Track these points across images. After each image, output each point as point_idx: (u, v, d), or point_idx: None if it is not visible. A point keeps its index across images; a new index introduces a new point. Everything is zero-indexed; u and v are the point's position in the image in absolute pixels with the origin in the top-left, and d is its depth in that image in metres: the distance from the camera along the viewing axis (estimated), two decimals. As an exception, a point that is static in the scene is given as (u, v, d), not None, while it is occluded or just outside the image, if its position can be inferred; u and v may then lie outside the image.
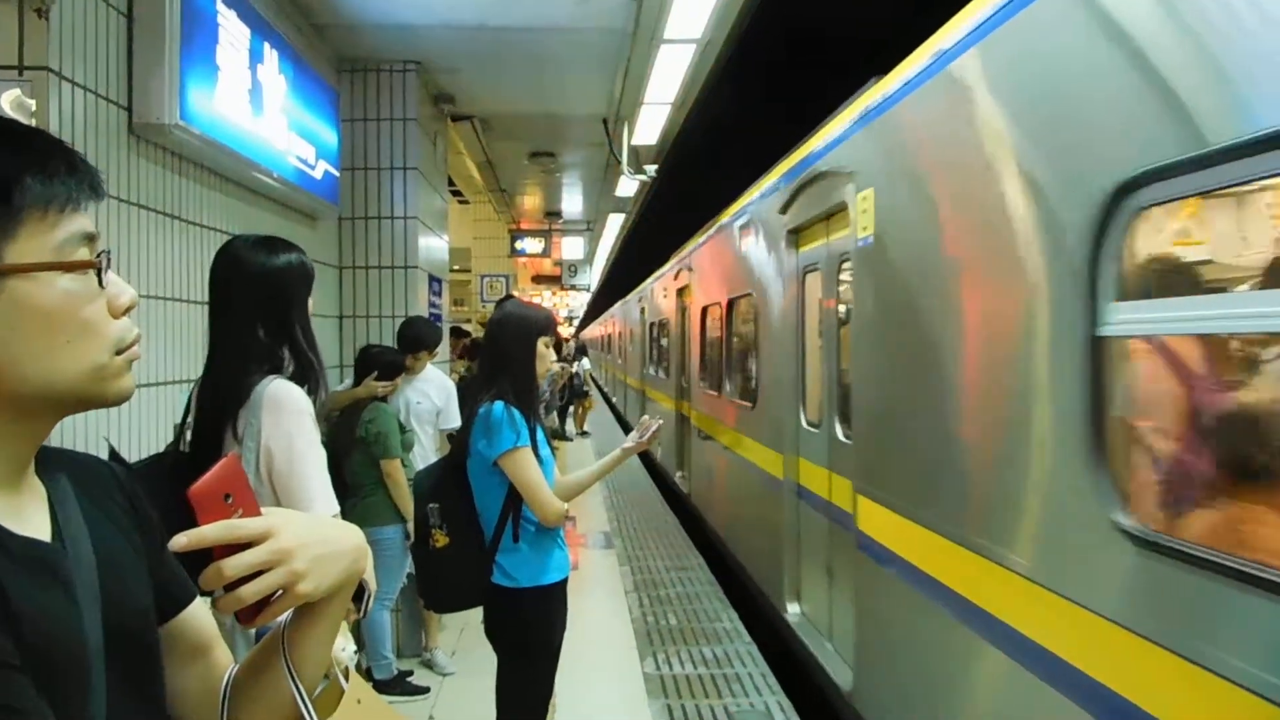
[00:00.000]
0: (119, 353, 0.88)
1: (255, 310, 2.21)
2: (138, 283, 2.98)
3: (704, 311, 8.50)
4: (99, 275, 0.87)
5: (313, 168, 4.45)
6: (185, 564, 0.99)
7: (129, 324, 0.90)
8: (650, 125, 6.88)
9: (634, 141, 7.16)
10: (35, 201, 0.83)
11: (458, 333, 8.47)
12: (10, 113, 2.45)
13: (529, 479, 2.83)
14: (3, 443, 0.85)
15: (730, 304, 7.26)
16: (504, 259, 12.92)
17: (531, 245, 12.47)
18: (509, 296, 8.12)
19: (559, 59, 5.53)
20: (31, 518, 0.86)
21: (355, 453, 4.31)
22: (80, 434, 2.66)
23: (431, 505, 2.97)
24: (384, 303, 5.42)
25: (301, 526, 0.95)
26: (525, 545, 2.89)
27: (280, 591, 0.92)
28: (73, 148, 0.89)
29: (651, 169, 8.09)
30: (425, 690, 4.64)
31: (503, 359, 2.99)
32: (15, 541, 0.81)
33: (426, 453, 4.86)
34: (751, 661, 5.23)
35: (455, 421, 5.07)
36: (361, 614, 2.34)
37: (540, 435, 2.95)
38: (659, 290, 12.50)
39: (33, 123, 2.45)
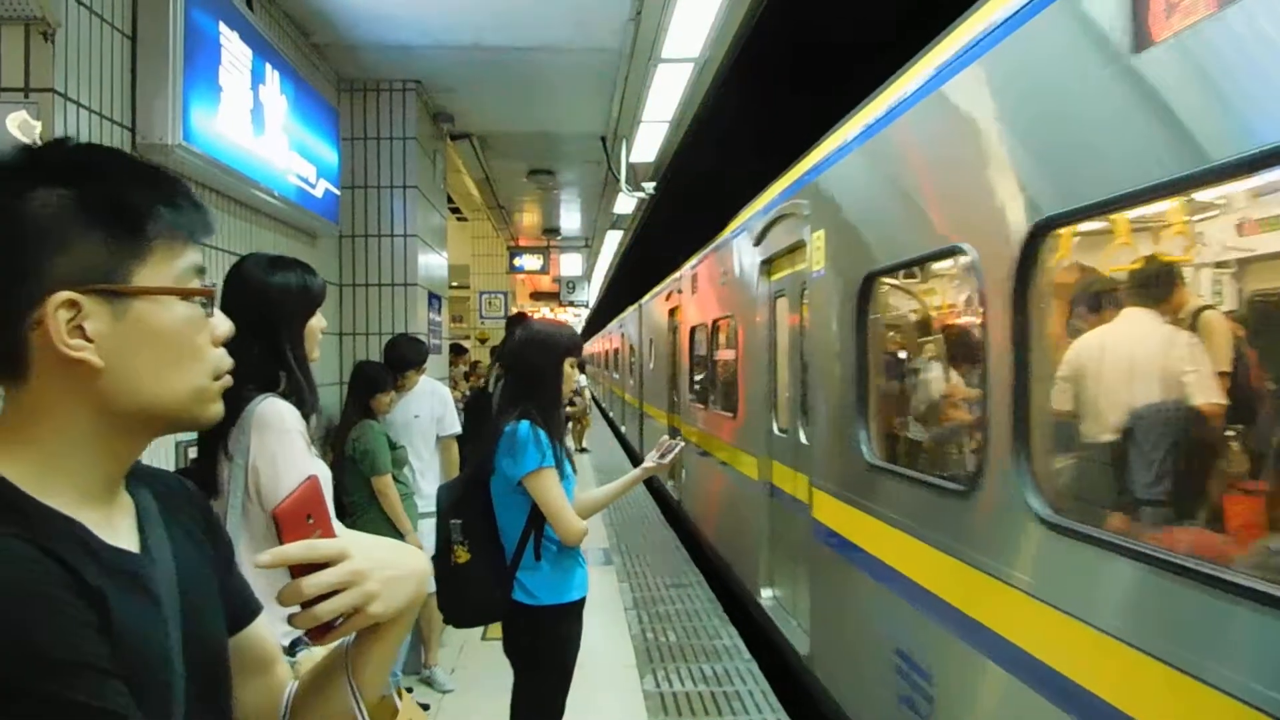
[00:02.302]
0: (216, 379, 0.94)
1: (249, 327, 2.21)
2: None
3: (692, 331, 9.11)
4: (208, 304, 0.93)
5: (313, 186, 4.48)
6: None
7: (223, 353, 0.95)
8: (648, 143, 6.92)
9: (632, 159, 7.20)
10: (164, 232, 0.88)
11: (457, 349, 8.47)
12: (16, 134, 2.48)
13: (553, 499, 2.84)
14: (102, 458, 0.88)
15: (715, 324, 7.94)
16: (502, 276, 12.95)
17: (530, 262, 12.51)
18: (521, 315, 8.14)
19: (557, 78, 5.57)
20: (121, 530, 0.89)
21: (345, 472, 4.28)
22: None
23: (454, 521, 2.98)
24: (384, 320, 5.44)
25: (374, 549, 0.99)
26: (546, 563, 2.91)
27: (351, 611, 0.95)
28: (189, 187, 0.94)
29: (649, 186, 8.14)
30: (425, 708, 4.63)
31: (529, 379, 3.01)
32: (108, 552, 0.84)
33: (427, 466, 4.87)
34: (751, 679, 5.22)
35: (455, 428, 5.10)
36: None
37: (563, 454, 2.96)
38: (652, 310, 12.77)
39: (37, 144, 2.48)
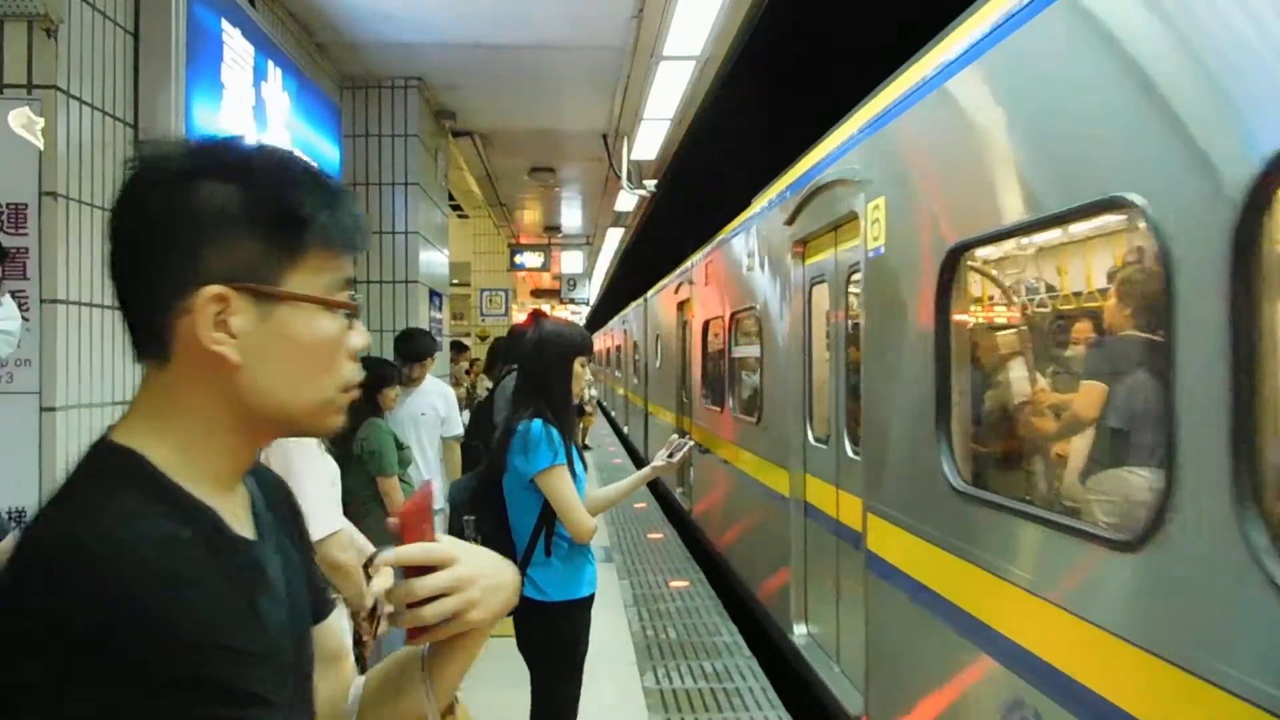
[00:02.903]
0: (344, 391, 0.94)
1: None
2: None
3: (705, 326, 8.40)
4: (351, 317, 0.93)
5: (315, 183, 4.48)
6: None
7: (356, 366, 0.95)
8: (649, 140, 6.93)
9: (633, 156, 7.20)
10: (320, 241, 0.89)
11: (458, 347, 8.48)
12: (18, 130, 2.48)
13: (564, 497, 2.87)
14: (231, 448, 0.89)
15: (733, 318, 7.15)
16: (503, 273, 12.95)
17: (531, 259, 12.51)
18: (539, 313, 8.15)
19: (559, 76, 5.57)
20: (241, 519, 0.91)
21: (349, 471, 4.27)
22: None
23: (467, 517, 3.03)
24: (385, 317, 5.45)
25: (475, 556, 1.00)
26: (557, 560, 2.94)
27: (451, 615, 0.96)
28: (355, 199, 0.95)
29: (651, 184, 8.14)
30: None
31: (542, 378, 3.03)
32: (238, 540, 0.86)
33: (432, 463, 4.88)
34: (752, 676, 5.23)
35: (457, 429, 5.13)
36: (374, 634, 2.37)
37: (575, 453, 3.00)
38: (658, 305, 12.39)
39: (40, 141, 2.48)
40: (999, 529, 2.73)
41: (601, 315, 35.09)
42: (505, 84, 5.74)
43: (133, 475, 0.81)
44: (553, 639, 2.97)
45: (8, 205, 2.50)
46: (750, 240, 6.35)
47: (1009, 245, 2.97)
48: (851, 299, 4.34)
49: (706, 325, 8.35)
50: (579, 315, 23.50)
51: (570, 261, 13.99)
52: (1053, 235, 2.77)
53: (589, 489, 3.13)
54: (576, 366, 3.07)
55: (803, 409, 5.11)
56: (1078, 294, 2.82)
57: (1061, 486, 2.79)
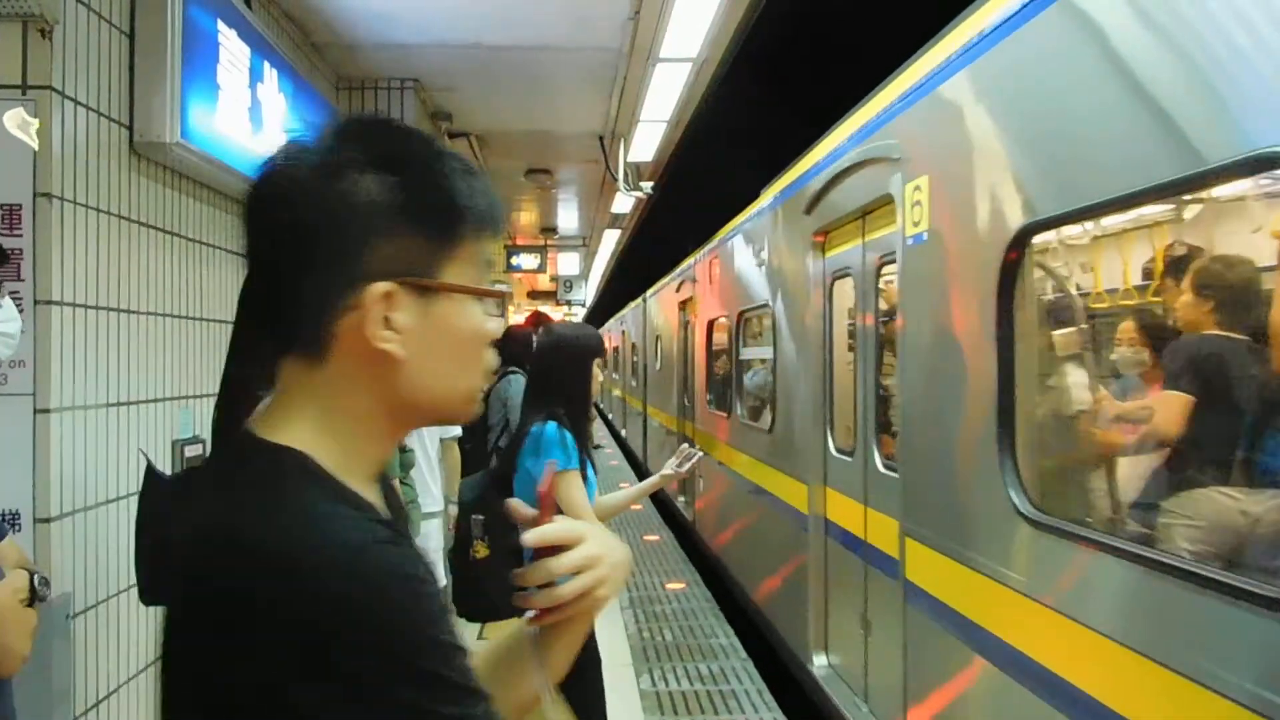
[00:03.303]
0: (486, 379, 0.97)
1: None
2: (137, 300, 2.99)
3: (710, 325, 8.04)
4: (500, 306, 0.94)
5: (311, 185, 4.47)
6: None
7: (494, 352, 0.96)
8: (646, 142, 6.92)
9: (630, 158, 7.20)
10: (473, 230, 0.88)
11: None
12: (13, 131, 2.47)
13: (575, 502, 2.87)
14: (382, 443, 0.90)
15: (742, 317, 6.75)
16: (500, 274, 12.94)
17: (527, 261, 12.49)
18: (539, 315, 8.15)
19: (555, 77, 5.57)
20: (382, 514, 0.91)
21: None
22: (97, 447, 2.67)
23: (475, 517, 3.03)
24: (381, 319, 5.43)
25: (599, 534, 0.99)
26: None
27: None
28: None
29: (648, 185, 8.14)
30: None
31: (557, 381, 3.03)
32: (405, 536, 0.86)
33: (433, 464, 4.89)
34: (748, 678, 5.22)
35: (456, 430, 5.13)
36: None
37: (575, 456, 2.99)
38: (658, 305, 12.10)
39: (35, 142, 2.47)
40: (1082, 565, 2.28)
41: (598, 317, 35.10)
42: (501, 85, 5.73)
43: (309, 476, 0.81)
44: None
45: (2, 206, 2.50)
46: (761, 233, 5.90)
47: (1100, 224, 2.48)
48: (883, 294, 3.96)
49: (711, 325, 8.08)
50: (575, 317, 23.49)
51: (567, 263, 13.98)
52: (1161, 209, 2.33)
53: (598, 496, 3.13)
54: (595, 369, 3.08)
55: (822, 416, 4.64)
56: (1203, 283, 2.30)
57: (1168, 517, 2.28)
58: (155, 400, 3.10)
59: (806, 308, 4.81)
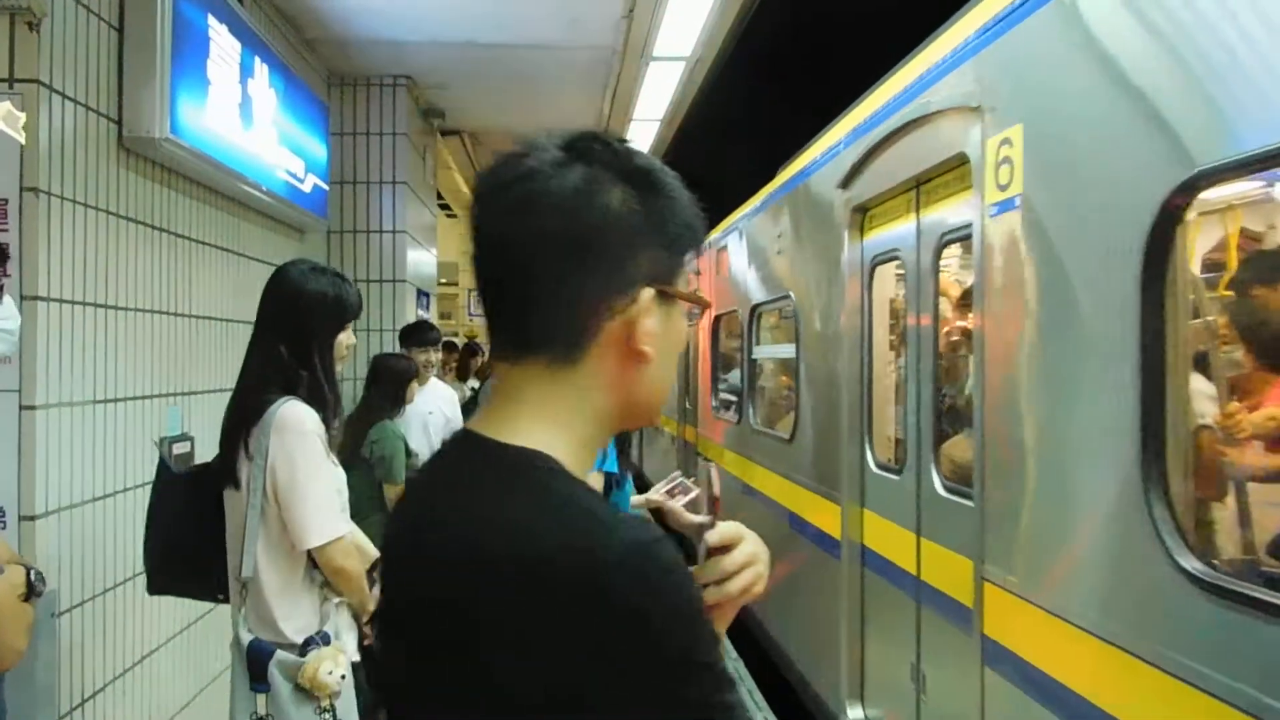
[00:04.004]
0: None
1: (281, 331, 2.29)
2: (124, 296, 2.97)
3: (716, 322, 7.40)
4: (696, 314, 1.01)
5: (302, 181, 4.45)
6: None
7: None
8: (639, 141, 6.90)
9: (623, 157, 7.18)
10: (693, 244, 0.96)
11: (448, 346, 8.44)
12: (0, 125, 2.45)
13: None
14: (602, 445, 0.96)
15: (756, 311, 5.93)
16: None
17: (520, 259, 12.47)
18: None
19: (549, 75, 5.56)
20: None
21: (355, 471, 4.17)
22: (84, 444, 2.65)
23: None
24: (372, 316, 5.41)
25: (752, 534, 1.04)
26: None
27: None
28: None
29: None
30: None
31: None
32: None
33: None
34: (739, 678, 5.21)
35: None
36: None
37: (613, 458, 2.94)
38: None
39: (22, 136, 2.45)
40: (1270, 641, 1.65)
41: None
42: (494, 83, 5.71)
43: (570, 479, 0.85)
44: None
45: (-12, 201, 2.47)
46: (780, 217, 5.20)
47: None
48: (945, 281, 3.36)
49: (718, 321, 7.42)
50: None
51: (559, 262, 13.94)
52: None
53: None
54: None
55: (860, 426, 3.88)
56: None
57: None
58: (143, 397, 3.08)
59: (839, 299, 4.03)
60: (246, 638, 2.22)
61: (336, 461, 2.35)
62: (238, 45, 3.58)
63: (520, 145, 0.93)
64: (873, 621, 3.86)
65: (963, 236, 3.01)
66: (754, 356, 6.02)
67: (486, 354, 7.93)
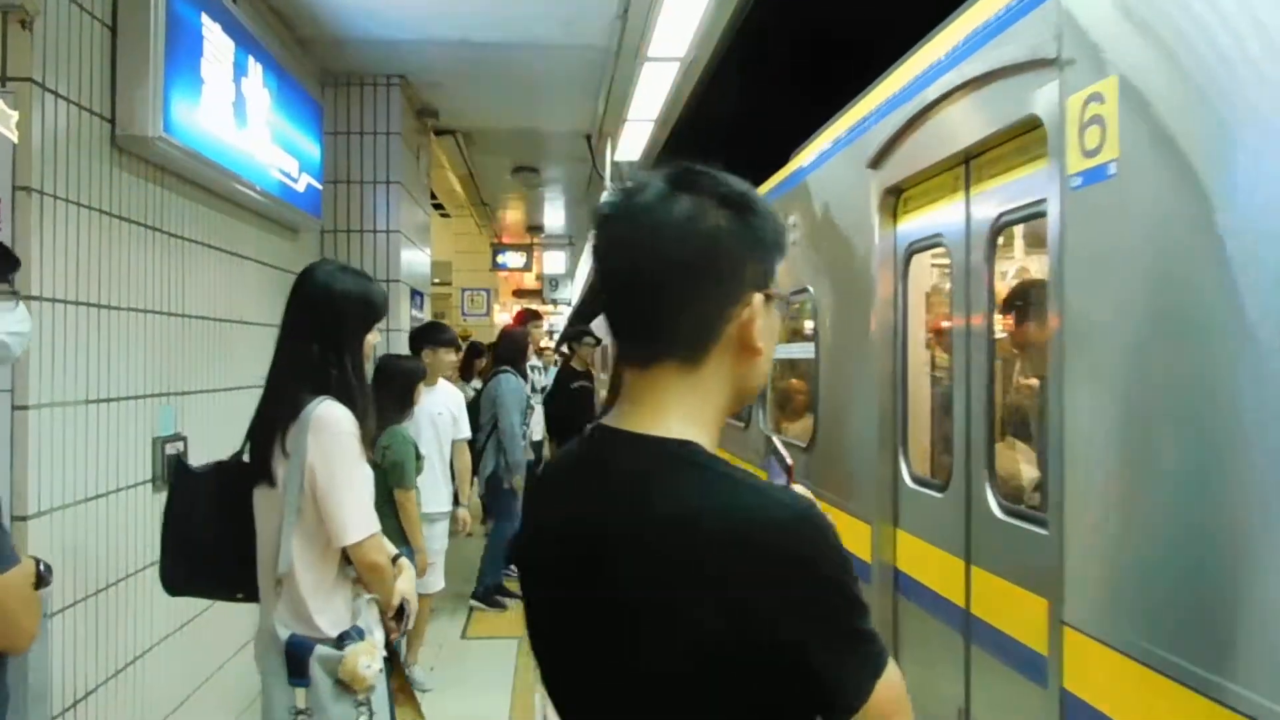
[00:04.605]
0: None
1: (310, 331, 2.34)
2: (117, 296, 2.96)
3: None
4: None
5: (295, 180, 4.45)
6: None
7: None
8: (633, 141, 6.91)
9: (617, 157, 7.19)
10: (780, 253, 1.12)
11: (475, 350, 8.42)
12: (-8, 124, 2.44)
13: None
14: (721, 430, 1.11)
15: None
16: (485, 273, 12.91)
17: (513, 259, 12.47)
18: (531, 312, 8.13)
19: (543, 75, 5.55)
20: None
21: None
22: (76, 444, 2.64)
23: None
24: (365, 316, 5.40)
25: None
26: None
27: None
28: None
29: (634, 185, 8.12)
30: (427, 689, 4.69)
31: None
32: None
33: (445, 466, 4.90)
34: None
35: (467, 431, 5.24)
36: (403, 631, 2.47)
37: None
38: None
39: (15, 134, 2.44)
40: None
41: (584, 317, 35.05)
42: (488, 83, 5.71)
43: (723, 461, 1.03)
44: None
45: (-20, 199, 2.46)
46: (796, 203, 4.76)
47: None
48: (1001, 269, 2.95)
49: None
50: (561, 316, 23.48)
51: (553, 262, 13.95)
52: None
53: None
54: None
55: (893, 435, 3.46)
56: None
57: None
58: (136, 397, 3.07)
59: (867, 291, 3.58)
60: (284, 633, 2.25)
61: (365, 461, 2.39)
62: (231, 44, 3.57)
63: (634, 181, 1.09)
64: (908, 653, 3.41)
65: (1028, 215, 2.57)
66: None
67: (489, 355, 7.92)
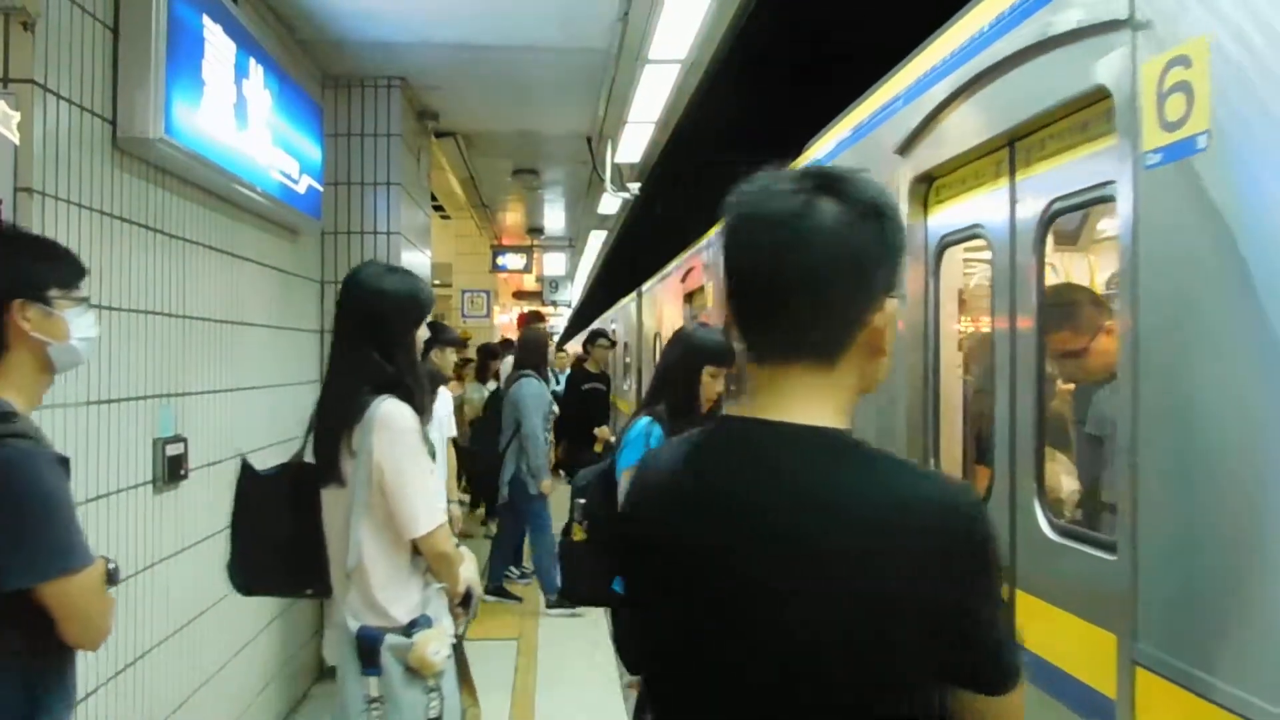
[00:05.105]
0: None
1: (365, 332, 2.45)
2: (118, 296, 2.96)
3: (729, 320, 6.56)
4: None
5: (296, 182, 4.45)
6: None
7: None
8: (633, 144, 6.92)
9: (617, 159, 7.20)
10: (904, 250, 1.17)
11: (491, 351, 8.44)
12: (-7, 125, 2.44)
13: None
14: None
15: None
16: (485, 274, 12.90)
17: (513, 261, 12.47)
18: (535, 314, 8.15)
19: (543, 78, 5.56)
20: None
21: None
22: (75, 445, 2.63)
23: (578, 501, 3.13)
24: (365, 318, 5.41)
25: None
26: None
27: None
28: None
29: (634, 187, 8.13)
30: None
31: (663, 378, 3.13)
32: None
33: (441, 462, 4.93)
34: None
35: (453, 429, 5.32)
36: (469, 617, 2.59)
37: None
38: (656, 298, 10.82)
39: (16, 136, 2.45)
40: None
41: (585, 318, 35.09)
42: (489, 85, 5.71)
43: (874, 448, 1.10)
44: None
45: (-19, 201, 2.46)
46: None
47: None
48: (1051, 264, 2.70)
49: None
50: (561, 318, 23.47)
51: (553, 263, 13.97)
52: None
53: None
54: (705, 376, 3.07)
55: (923, 444, 3.18)
56: None
57: None
58: (136, 398, 3.07)
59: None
60: (354, 625, 2.36)
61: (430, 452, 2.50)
62: (232, 46, 3.58)
63: (771, 180, 1.11)
64: None
65: (1088, 201, 2.30)
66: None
67: (507, 357, 7.93)
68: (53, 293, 1.88)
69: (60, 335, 1.89)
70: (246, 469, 2.66)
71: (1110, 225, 2.28)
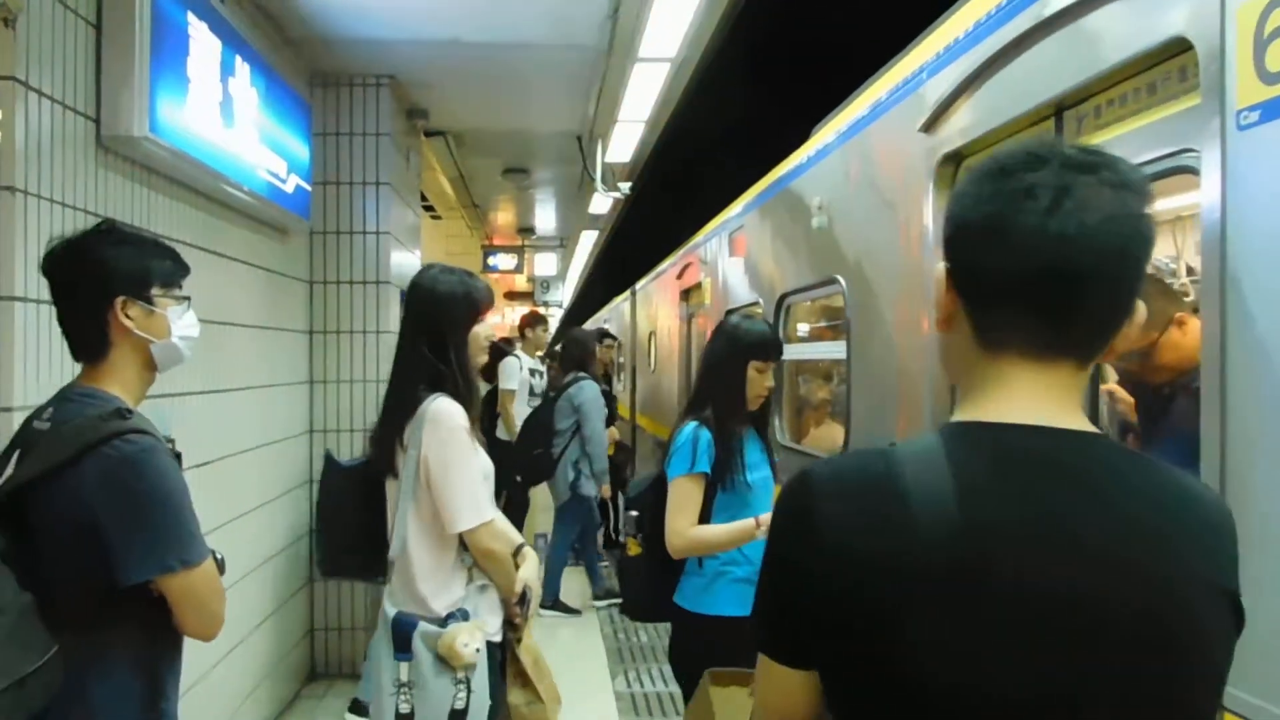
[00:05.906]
0: None
1: (421, 332, 2.57)
2: (103, 296, 2.93)
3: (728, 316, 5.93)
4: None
5: (284, 181, 4.42)
6: None
7: None
8: (624, 142, 6.90)
9: (608, 159, 7.18)
10: None
11: (499, 351, 8.39)
12: (-26, 123, 2.41)
13: (673, 503, 2.82)
14: None
15: (784, 302, 4.83)
16: (476, 274, 12.85)
17: (504, 261, 12.44)
18: (535, 314, 8.12)
19: (533, 76, 5.54)
20: None
21: None
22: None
23: (630, 513, 3.05)
24: (355, 318, 5.38)
25: None
26: (705, 572, 2.87)
27: None
28: None
29: (625, 186, 8.11)
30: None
31: (707, 377, 2.98)
32: None
33: None
34: (724, 680, 5.20)
35: None
36: (525, 616, 2.62)
37: (750, 458, 2.87)
38: (651, 296, 10.58)
39: (-3, 133, 2.42)
40: None
41: (576, 318, 35.11)
42: (479, 83, 5.69)
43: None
44: (691, 655, 2.81)
45: (-38, 199, 2.43)
46: (819, 184, 4.21)
47: None
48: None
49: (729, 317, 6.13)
50: (553, 318, 23.45)
51: (544, 263, 13.94)
52: None
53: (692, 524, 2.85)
54: (751, 371, 2.89)
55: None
56: None
57: None
58: (122, 399, 3.03)
59: (917, 280, 3.06)
60: (391, 611, 2.46)
61: (482, 449, 2.58)
62: (218, 43, 3.55)
63: (1051, 156, 0.98)
64: None
65: (1162, 173, 1.94)
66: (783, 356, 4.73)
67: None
68: (154, 290, 1.94)
69: (162, 333, 1.95)
70: (329, 460, 2.87)
71: (1182, 202, 2.05)
